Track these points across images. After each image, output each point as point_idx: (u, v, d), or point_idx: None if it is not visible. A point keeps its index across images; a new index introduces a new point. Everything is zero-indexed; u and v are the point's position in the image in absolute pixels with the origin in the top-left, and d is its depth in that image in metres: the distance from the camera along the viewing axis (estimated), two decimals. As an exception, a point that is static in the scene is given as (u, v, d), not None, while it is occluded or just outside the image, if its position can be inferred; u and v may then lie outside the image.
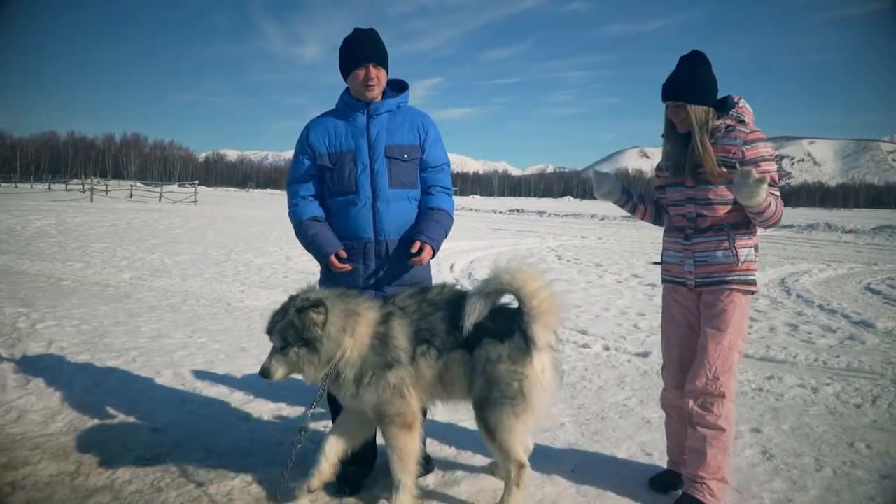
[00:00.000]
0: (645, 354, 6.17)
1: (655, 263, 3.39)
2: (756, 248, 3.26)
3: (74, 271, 10.67)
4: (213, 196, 63.65)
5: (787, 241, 22.30)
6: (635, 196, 3.76)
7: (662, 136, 3.45)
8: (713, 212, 3.19)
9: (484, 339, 3.04)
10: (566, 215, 40.71)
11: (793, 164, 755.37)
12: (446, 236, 3.58)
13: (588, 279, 11.42)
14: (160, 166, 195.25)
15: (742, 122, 3.21)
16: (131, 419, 4.23)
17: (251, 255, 13.56)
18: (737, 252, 3.17)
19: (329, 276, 3.50)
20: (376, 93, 3.47)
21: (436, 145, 3.62)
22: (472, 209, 48.45)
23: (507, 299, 3.13)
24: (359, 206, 3.44)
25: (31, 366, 5.17)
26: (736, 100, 3.27)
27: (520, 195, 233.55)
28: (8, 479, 3.34)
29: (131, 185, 62.68)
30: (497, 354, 3.00)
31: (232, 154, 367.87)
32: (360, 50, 3.42)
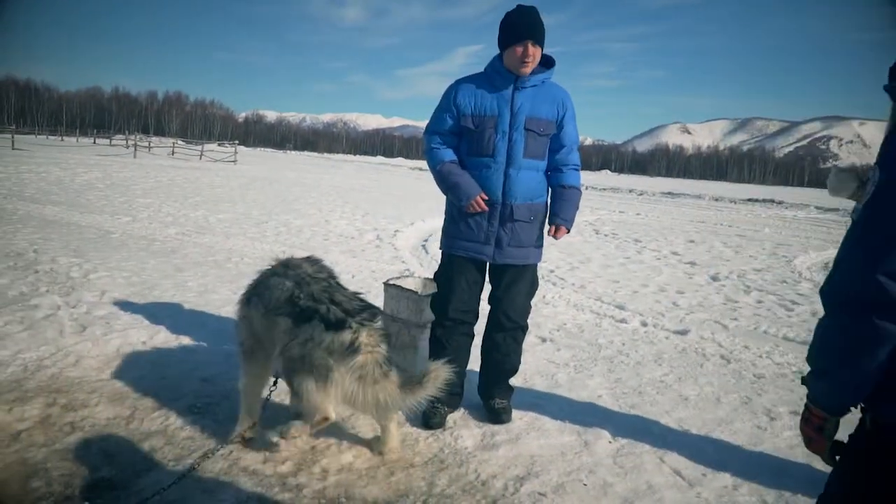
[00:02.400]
0: (684, 332, 6.17)
1: None
2: None
3: (122, 225, 10.95)
4: (251, 156, 64.25)
5: (832, 224, 21.86)
6: None
7: None
8: None
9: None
10: (604, 189, 40.28)
11: (841, 145, 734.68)
12: (577, 210, 3.91)
13: (626, 255, 11.36)
14: (201, 125, 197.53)
15: None
16: (182, 369, 4.38)
17: (291, 217, 13.73)
18: None
19: (454, 225, 3.83)
20: (529, 69, 3.63)
21: (571, 123, 3.83)
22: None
23: None
24: (492, 170, 3.69)
25: (87, 314, 5.37)
26: None
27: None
28: (68, 420, 3.50)
29: (173, 143, 63.44)
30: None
31: (271, 115, 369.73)
32: (522, 27, 3.57)
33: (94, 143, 65.74)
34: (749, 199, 37.38)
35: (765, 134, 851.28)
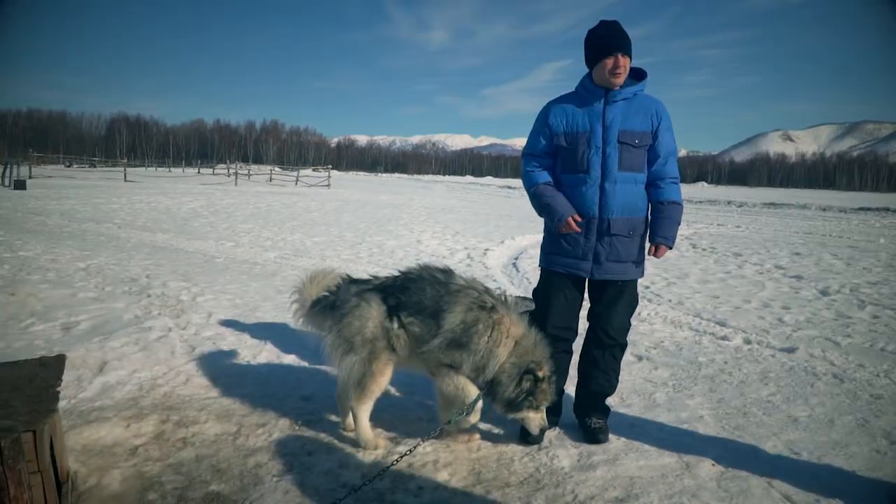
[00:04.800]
0: (791, 350, 5.88)
1: None
2: None
3: (226, 250, 11.49)
4: (344, 180, 66.05)
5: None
6: None
7: None
8: None
9: None
10: (700, 201, 39.03)
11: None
12: (679, 225, 3.84)
13: (726, 269, 10.95)
14: (296, 151, 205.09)
15: None
16: (284, 387, 4.54)
17: (383, 238, 14.01)
18: None
19: (552, 242, 3.91)
20: (621, 80, 3.66)
21: (667, 133, 3.79)
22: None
23: None
24: (588, 186, 3.71)
25: (195, 335, 5.67)
26: None
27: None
28: (180, 436, 3.70)
29: (270, 170, 66.11)
30: None
31: (361, 139, 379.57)
32: (610, 40, 3.62)
33: (198, 172, 69.40)
34: (861, 208, 35.29)
35: (876, 138, 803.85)
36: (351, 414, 3.78)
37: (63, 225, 14.47)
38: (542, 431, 3.62)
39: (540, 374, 3.46)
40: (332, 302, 3.78)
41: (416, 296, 3.60)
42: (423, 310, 3.57)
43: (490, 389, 3.53)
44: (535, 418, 3.56)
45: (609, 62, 3.57)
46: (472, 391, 3.54)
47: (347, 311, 3.64)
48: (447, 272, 3.73)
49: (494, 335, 3.49)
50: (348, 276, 4.03)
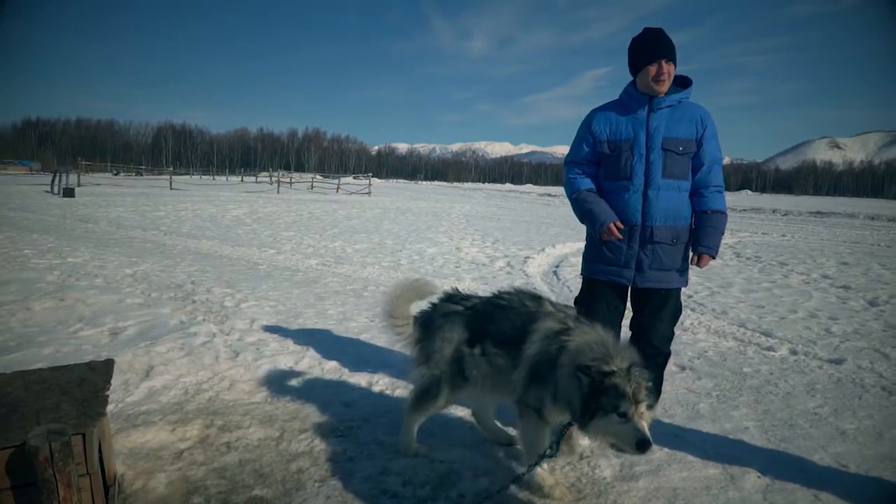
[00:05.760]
0: (839, 361, 5.74)
1: None
2: None
3: (268, 257, 11.66)
4: (384, 187, 66.46)
5: None
6: None
7: None
8: None
9: None
10: (744, 210, 38.29)
11: None
12: (723, 235, 3.80)
13: (771, 279, 10.72)
14: (337, 159, 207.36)
15: None
16: (325, 393, 4.59)
17: (424, 245, 14.06)
18: None
19: (594, 250, 3.87)
20: (666, 87, 3.66)
21: (712, 141, 3.76)
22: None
23: None
24: (631, 192, 3.70)
25: (239, 341, 5.77)
26: None
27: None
28: (224, 440, 3.76)
29: (312, 178, 66.94)
30: None
31: (402, 147, 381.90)
32: (654, 46, 3.63)
33: (242, 180, 70.55)
34: (911, 217, 34.26)
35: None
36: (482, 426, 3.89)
37: (110, 232, 14.86)
38: (643, 445, 2.76)
39: (605, 367, 2.85)
40: (426, 316, 3.76)
41: (501, 325, 3.42)
42: (506, 341, 3.36)
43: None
44: (621, 429, 2.80)
45: (653, 69, 3.58)
46: (542, 440, 3.23)
47: (434, 329, 3.63)
48: (537, 299, 3.50)
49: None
50: (452, 289, 3.90)
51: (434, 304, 3.80)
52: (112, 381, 3.07)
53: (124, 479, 3.21)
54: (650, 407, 2.87)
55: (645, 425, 2.80)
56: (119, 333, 5.88)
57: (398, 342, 3.88)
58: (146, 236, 14.29)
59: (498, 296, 3.61)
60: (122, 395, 4.35)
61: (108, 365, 3.26)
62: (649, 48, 3.61)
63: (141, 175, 78.48)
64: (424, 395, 3.60)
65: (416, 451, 3.63)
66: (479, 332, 3.48)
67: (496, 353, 3.40)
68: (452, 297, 3.76)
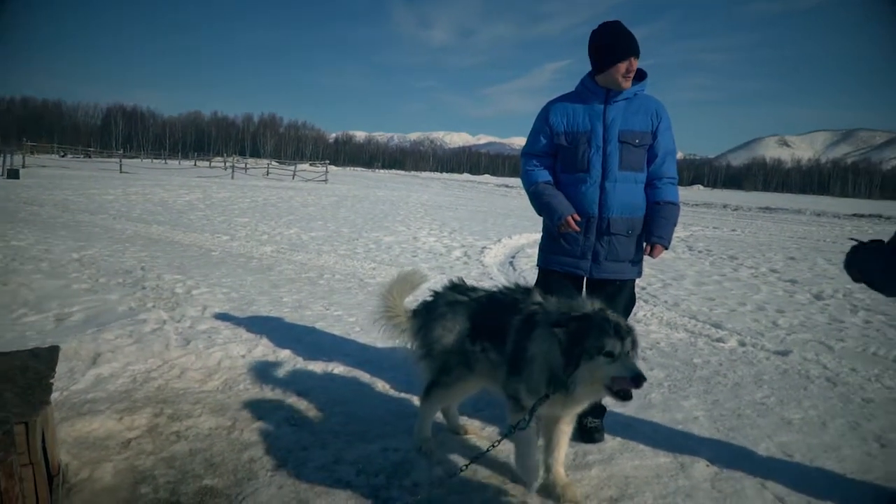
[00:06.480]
0: (785, 353, 5.89)
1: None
2: None
3: (222, 243, 11.45)
4: (342, 175, 65.98)
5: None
6: None
7: None
8: None
9: None
10: (696, 204, 39.09)
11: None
12: (675, 226, 3.83)
13: (722, 272, 10.97)
14: (293, 146, 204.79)
15: None
16: (279, 383, 4.52)
17: (380, 234, 13.99)
18: None
19: (551, 241, 3.88)
20: (630, 83, 3.68)
21: (667, 133, 3.80)
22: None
23: None
24: (588, 185, 3.71)
25: (190, 328, 5.65)
26: None
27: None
28: (173, 429, 3.68)
29: (268, 164, 66.00)
30: None
31: (360, 135, 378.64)
32: (624, 45, 3.62)
33: (195, 165, 69.30)
34: (854, 214, 35.44)
35: (870, 146, 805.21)
36: (443, 414, 3.83)
37: (56, 215, 14.41)
38: (638, 380, 2.65)
39: (579, 314, 2.82)
40: (427, 305, 3.68)
41: (493, 319, 3.32)
42: (495, 335, 3.28)
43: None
44: (612, 370, 2.71)
45: (623, 66, 3.59)
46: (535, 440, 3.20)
47: (435, 317, 3.55)
48: (528, 291, 3.38)
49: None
50: (458, 279, 3.79)
51: (437, 293, 3.70)
52: (57, 369, 2.97)
53: (69, 469, 3.12)
54: (634, 345, 2.80)
55: (633, 362, 2.75)
56: (64, 319, 5.71)
57: (397, 335, 3.81)
58: (94, 220, 13.89)
59: (500, 290, 3.53)
60: (67, 383, 4.22)
61: (53, 352, 3.16)
62: (620, 45, 3.61)
63: (90, 157, 76.27)
64: (432, 389, 3.54)
65: (429, 450, 3.53)
66: (479, 325, 3.40)
67: (490, 348, 3.32)
68: (457, 287, 3.66)
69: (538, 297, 3.26)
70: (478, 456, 3.11)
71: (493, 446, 3.05)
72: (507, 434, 3.02)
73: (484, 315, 3.40)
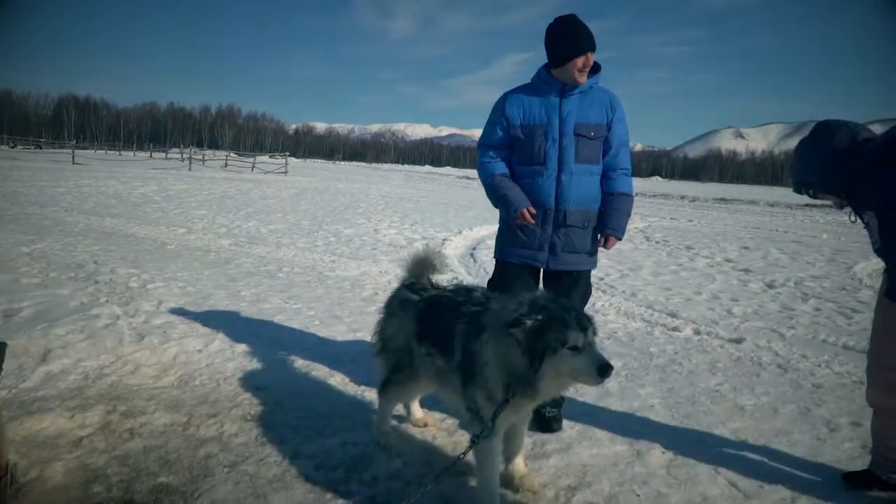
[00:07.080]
0: (738, 341, 6.02)
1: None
2: None
3: (178, 236, 11.25)
4: (302, 167, 65.28)
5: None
6: None
7: None
8: None
9: None
10: (654, 195, 39.67)
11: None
12: (629, 217, 3.89)
13: (678, 262, 11.16)
14: (252, 137, 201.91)
15: None
16: (236, 377, 4.46)
17: (340, 227, 13.90)
18: None
19: (508, 233, 3.88)
20: (586, 78, 3.69)
21: (620, 125, 3.84)
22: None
23: None
24: (545, 177, 3.73)
25: (145, 323, 5.53)
26: None
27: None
28: (127, 427, 3.60)
29: (226, 155, 65.00)
30: None
31: (320, 126, 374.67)
32: (582, 40, 3.62)
33: (151, 156, 67.85)
34: (806, 205, 36.24)
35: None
36: (404, 406, 3.82)
37: (5, 208, 13.97)
38: (605, 370, 2.54)
39: (534, 310, 2.66)
40: (388, 300, 3.64)
41: (437, 323, 3.17)
42: (440, 340, 3.12)
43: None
44: (577, 362, 2.58)
45: (580, 61, 3.60)
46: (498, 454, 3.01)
47: (390, 313, 3.53)
48: (469, 291, 3.25)
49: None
50: (432, 278, 3.63)
51: (396, 289, 3.66)
52: (4, 366, 2.88)
53: (17, 469, 3.02)
54: (595, 332, 2.70)
55: (599, 351, 2.65)
56: (13, 315, 5.55)
57: None
58: (45, 213, 13.52)
59: (444, 292, 3.38)
60: (15, 381, 4.10)
61: (0, 349, 3.06)
62: (577, 40, 3.62)
63: (41, 148, 74.04)
64: (387, 386, 3.52)
65: (387, 445, 3.50)
66: (425, 328, 3.27)
67: (436, 353, 3.17)
68: (413, 285, 3.53)
69: (480, 297, 3.11)
70: (440, 474, 2.88)
71: (460, 458, 2.84)
72: (470, 446, 2.85)
73: (430, 318, 3.27)
